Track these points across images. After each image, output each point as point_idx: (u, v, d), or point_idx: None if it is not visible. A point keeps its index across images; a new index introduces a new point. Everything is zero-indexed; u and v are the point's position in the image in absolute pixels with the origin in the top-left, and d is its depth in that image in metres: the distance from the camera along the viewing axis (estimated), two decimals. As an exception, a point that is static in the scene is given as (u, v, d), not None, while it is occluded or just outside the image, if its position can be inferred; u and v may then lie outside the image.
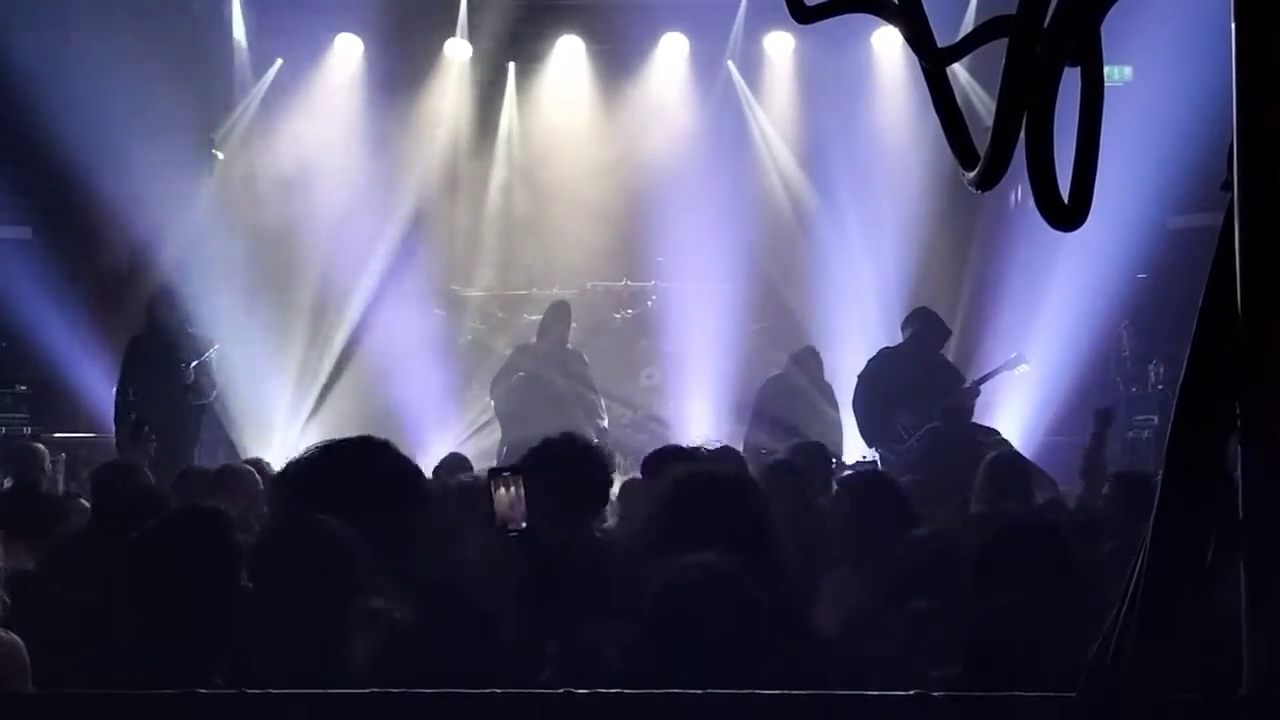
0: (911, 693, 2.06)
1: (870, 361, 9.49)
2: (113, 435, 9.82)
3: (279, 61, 12.64)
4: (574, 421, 9.27)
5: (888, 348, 9.65)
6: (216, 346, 9.97)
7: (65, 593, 4.10)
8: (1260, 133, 1.74)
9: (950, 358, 9.86)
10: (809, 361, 10.37)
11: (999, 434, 8.79)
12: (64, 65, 10.77)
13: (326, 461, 3.40)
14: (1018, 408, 10.82)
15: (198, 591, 2.92)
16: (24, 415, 11.61)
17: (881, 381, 9.22)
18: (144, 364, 9.73)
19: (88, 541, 4.73)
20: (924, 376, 9.03)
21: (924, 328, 9.35)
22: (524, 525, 3.41)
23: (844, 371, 10.44)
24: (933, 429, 8.72)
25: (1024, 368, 9.59)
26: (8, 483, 8.75)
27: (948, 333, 9.55)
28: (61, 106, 10.82)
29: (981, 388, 9.15)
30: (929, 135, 11.65)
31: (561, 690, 2.19)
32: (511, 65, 13.01)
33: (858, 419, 9.35)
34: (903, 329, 9.55)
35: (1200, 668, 1.83)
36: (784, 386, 10.19)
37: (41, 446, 7.58)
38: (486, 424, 11.56)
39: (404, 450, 3.54)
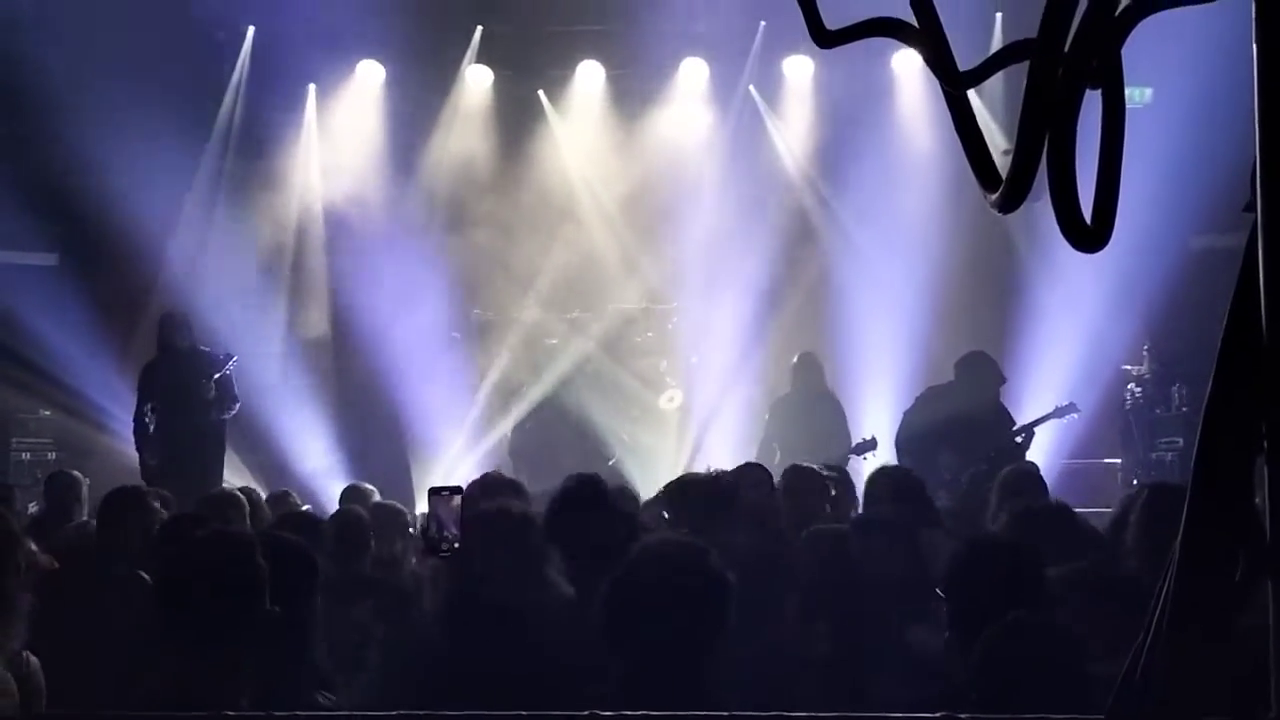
0: (938, 715, 2.06)
1: (917, 399, 9.37)
2: (135, 459, 9.88)
3: (312, 86, 12.77)
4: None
5: (936, 386, 9.54)
6: (235, 360, 9.96)
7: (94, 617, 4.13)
8: (1283, 153, 1.74)
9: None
10: (808, 367, 10.34)
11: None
12: (90, 95, 10.88)
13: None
14: (1038, 432, 10.78)
15: (224, 615, 2.94)
16: (48, 440, 11.70)
17: (925, 421, 9.10)
18: (160, 387, 9.77)
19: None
20: (973, 419, 8.89)
21: (981, 371, 9.25)
22: (456, 546, 3.39)
23: (865, 392, 10.40)
24: (975, 473, 8.53)
25: (1074, 416, 9.52)
26: (33, 507, 8.82)
27: (1002, 379, 9.43)
28: (88, 136, 10.93)
29: (1034, 431, 9.06)
30: (950, 157, 11.64)
31: (586, 713, 2.20)
32: (541, 93, 13.05)
33: (899, 456, 9.24)
34: (956, 369, 9.46)
35: (1229, 689, 1.82)
36: (783, 408, 10.22)
37: (78, 474, 7.58)
38: (496, 446, 11.66)
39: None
